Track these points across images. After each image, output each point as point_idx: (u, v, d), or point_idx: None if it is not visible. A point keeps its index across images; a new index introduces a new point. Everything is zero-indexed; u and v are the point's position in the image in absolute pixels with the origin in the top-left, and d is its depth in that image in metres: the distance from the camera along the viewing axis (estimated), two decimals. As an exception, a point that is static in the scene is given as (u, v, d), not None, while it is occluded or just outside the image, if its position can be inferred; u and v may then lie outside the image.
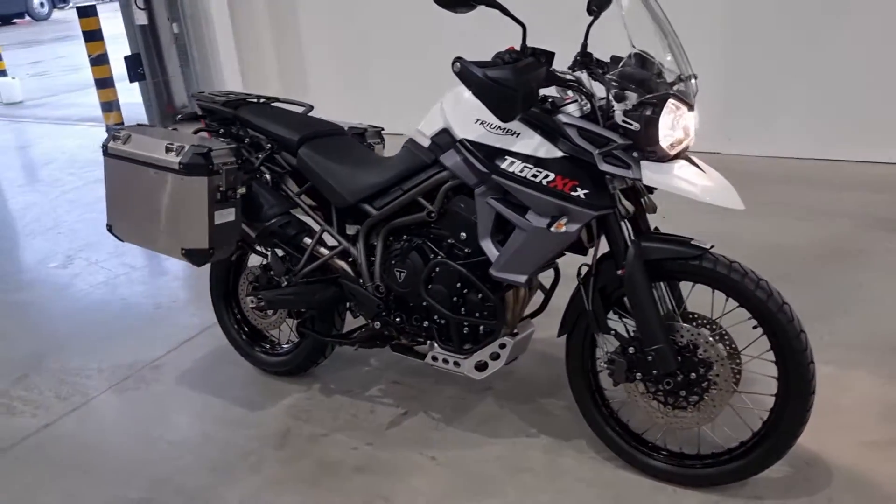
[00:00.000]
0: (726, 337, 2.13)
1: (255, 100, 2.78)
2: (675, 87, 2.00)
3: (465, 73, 1.94)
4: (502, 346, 2.33)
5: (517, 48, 2.01)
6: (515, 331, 2.38)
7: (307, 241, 2.59)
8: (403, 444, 2.49)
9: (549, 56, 2.05)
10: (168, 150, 2.35)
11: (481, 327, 2.32)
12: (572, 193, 2.02)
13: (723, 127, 5.01)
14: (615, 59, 2.11)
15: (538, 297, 2.48)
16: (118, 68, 6.90)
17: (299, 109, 2.78)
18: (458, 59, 1.96)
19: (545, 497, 2.21)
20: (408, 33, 6.02)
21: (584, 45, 2.10)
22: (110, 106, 6.83)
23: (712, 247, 2.05)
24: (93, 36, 6.63)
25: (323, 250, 2.58)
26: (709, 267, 2.02)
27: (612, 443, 2.29)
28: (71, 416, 2.83)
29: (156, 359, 3.16)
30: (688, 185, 1.96)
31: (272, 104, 2.80)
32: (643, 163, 1.98)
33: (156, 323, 3.50)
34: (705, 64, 5.08)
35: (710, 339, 2.06)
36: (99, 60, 6.69)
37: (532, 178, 2.06)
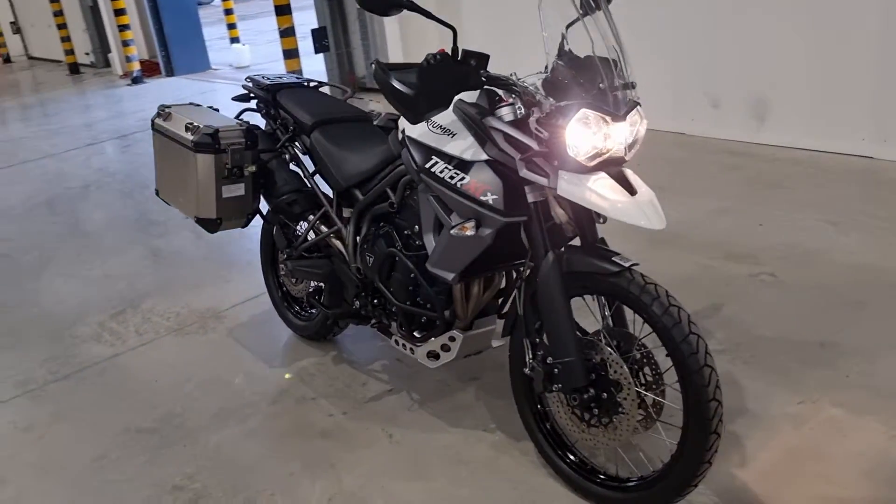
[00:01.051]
0: (652, 362, 2.03)
1: (305, 84, 3.01)
2: (608, 96, 1.92)
3: (376, 75, 2.01)
4: (452, 339, 2.38)
5: (448, 50, 2.04)
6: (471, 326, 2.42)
7: (311, 218, 2.79)
8: (372, 419, 2.64)
9: (481, 58, 2.04)
10: (187, 128, 2.65)
11: (426, 319, 2.40)
12: (482, 198, 2.03)
13: (878, 128, 4.45)
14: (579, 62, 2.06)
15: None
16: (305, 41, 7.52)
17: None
18: (375, 60, 2.03)
19: (466, 491, 2.27)
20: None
21: (561, 46, 2.07)
22: (293, 75, 7.46)
23: (634, 265, 1.96)
24: (282, 10, 7.26)
25: (324, 229, 2.77)
26: (622, 285, 1.94)
27: (540, 449, 2.28)
28: (136, 350, 3.31)
29: (223, 310, 3.56)
30: (599, 199, 1.89)
31: (316, 89, 3.02)
32: (561, 172, 1.94)
33: (243, 277, 3.91)
34: (854, 54, 4.59)
35: (619, 360, 1.98)
36: (287, 33, 7.32)
37: (449, 180, 2.09)
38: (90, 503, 2.42)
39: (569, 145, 1.88)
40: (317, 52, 7.60)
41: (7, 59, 14.90)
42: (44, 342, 3.48)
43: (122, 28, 10.24)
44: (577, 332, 2.06)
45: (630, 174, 1.98)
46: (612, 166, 1.96)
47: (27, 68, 13.99)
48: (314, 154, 2.74)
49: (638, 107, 2.01)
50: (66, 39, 12.21)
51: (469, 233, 2.06)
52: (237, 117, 2.94)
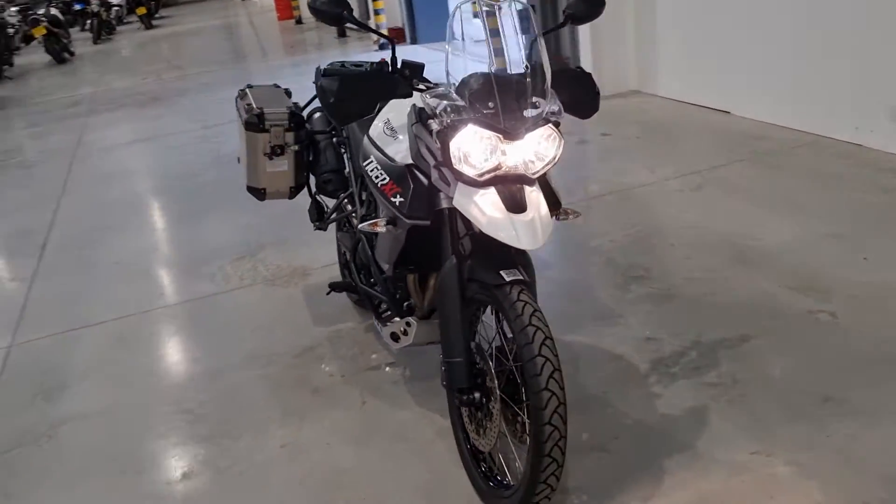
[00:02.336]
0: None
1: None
2: (514, 114, 1.97)
3: (315, 78, 2.22)
4: (409, 325, 2.55)
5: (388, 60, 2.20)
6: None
7: (340, 196, 3.08)
8: (359, 385, 2.91)
9: (416, 68, 2.17)
10: (245, 109, 3.06)
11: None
12: (392, 199, 2.17)
13: None
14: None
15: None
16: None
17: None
18: (318, 67, 2.24)
19: (388, 465, 2.47)
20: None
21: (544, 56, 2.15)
22: (497, 52, 7.69)
23: (518, 280, 2.00)
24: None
25: (349, 208, 3.04)
26: (498, 298, 2.00)
27: (455, 434, 2.38)
28: (231, 293, 3.86)
29: (312, 269, 3.99)
30: (479, 213, 1.97)
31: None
32: (459, 184, 2.03)
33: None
34: None
35: (490, 371, 2.05)
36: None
37: (374, 179, 2.26)
38: (130, 411, 2.98)
39: (453, 159, 1.97)
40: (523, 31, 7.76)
41: (299, 21, 16.78)
42: (172, 274, 4.17)
43: (374, -4, 11.15)
44: (473, 339, 2.14)
45: (529, 192, 2.01)
46: (511, 183, 2.00)
47: (313, 29, 15.66)
48: (347, 136, 3.01)
49: (549, 126, 2.02)
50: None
51: (380, 229, 2.22)
52: (311, 102, 3.30)
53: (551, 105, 2.08)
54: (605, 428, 2.50)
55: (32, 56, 16.06)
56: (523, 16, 2.16)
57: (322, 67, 2.21)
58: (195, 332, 3.52)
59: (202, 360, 3.24)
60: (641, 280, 3.41)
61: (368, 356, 3.10)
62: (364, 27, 2.20)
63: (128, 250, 4.62)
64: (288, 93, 3.38)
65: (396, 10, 11.95)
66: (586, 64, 6.76)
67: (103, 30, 18.57)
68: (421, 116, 2.13)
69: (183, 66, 12.44)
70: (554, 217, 2.33)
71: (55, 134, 8.23)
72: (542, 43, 2.10)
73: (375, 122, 2.49)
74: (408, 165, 2.20)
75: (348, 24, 2.22)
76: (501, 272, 2.02)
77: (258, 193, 3.15)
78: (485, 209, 1.96)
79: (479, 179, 1.99)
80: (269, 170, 3.07)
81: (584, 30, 6.75)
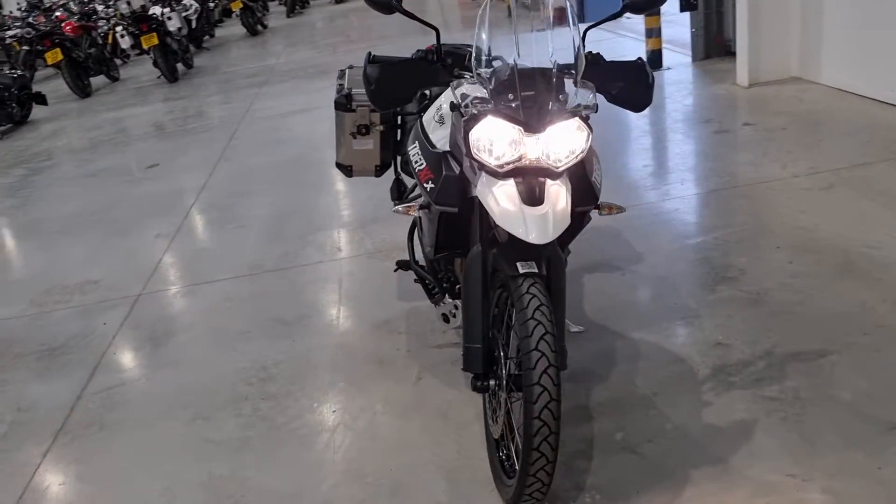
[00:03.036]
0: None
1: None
2: (537, 108, 1.97)
3: (364, 64, 2.30)
4: (457, 306, 2.61)
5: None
6: None
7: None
8: (420, 361, 3.01)
9: (459, 56, 2.20)
10: (337, 89, 3.21)
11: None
12: (425, 185, 2.22)
13: None
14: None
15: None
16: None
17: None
18: (369, 52, 2.32)
19: (423, 440, 2.56)
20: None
21: (580, 49, 2.16)
22: (651, 32, 7.43)
23: (532, 273, 2.00)
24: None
25: (426, 190, 3.12)
26: (511, 289, 2.01)
27: (484, 416, 2.41)
28: (331, 262, 4.09)
29: (393, 249, 4.09)
30: (494, 203, 1.99)
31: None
32: (482, 174, 2.06)
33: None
34: None
35: (501, 361, 2.07)
36: (650, -11, 7.28)
37: (414, 164, 2.31)
38: (214, 365, 3.26)
39: (473, 149, 1.99)
40: (682, 9, 7.42)
41: (476, -3, 16.93)
42: (287, 241, 4.46)
43: (542, -25, 11.03)
44: (501, 327, 2.17)
45: (550, 186, 2.00)
46: (533, 175, 2.00)
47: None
48: None
49: (576, 119, 2.00)
50: (509, -18, 13.49)
51: (413, 214, 2.29)
52: None
53: (583, 98, 2.04)
54: (642, 430, 2.44)
55: (232, 28, 17.37)
56: (560, 7, 2.13)
57: (372, 54, 2.29)
58: (290, 297, 3.76)
59: (289, 325, 3.47)
60: (732, 281, 3.23)
61: (438, 334, 3.18)
62: (412, 16, 2.25)
63: (255, 216, 4.97)
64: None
65: (566, -13, 11.77)
66: (742, 46, 6.38)
67: (297, 4, 19.72)
68: (455, 106, 2.16)
69: (356, 39, 12.99)
70: (595, 212, 2.30)
71: (231, 102, 8.92)
72: (577, 34, 2.06)
73: (431, 107, 2.55)
74: (445, 153, 2.24)
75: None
76: (518, 263, 2.02)
77: (346, 170, 3.31)
78: (500, 200, 1.97)
79: (499, 171, 2.00)
80: (355, 148, 3.21)
81: (741, 9, 6.35)
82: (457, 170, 2.19)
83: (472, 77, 2.16)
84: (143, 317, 3.78)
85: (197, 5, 13.87)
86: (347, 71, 3.43)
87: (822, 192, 4.02)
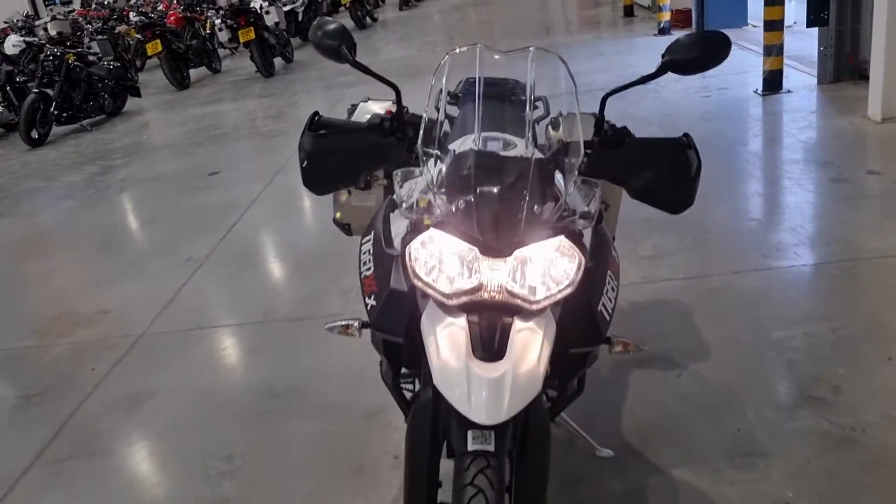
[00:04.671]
0: None
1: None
2: (508, 218, 1.37)
3: (304, 128, 1.76)
4: None
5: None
6: None
7: None
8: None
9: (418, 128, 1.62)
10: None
11: None
12: (366, 298, 1.68)
13: None
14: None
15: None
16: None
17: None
18: (314, 113, 1.76)
19: None
20: None
21: (601, 115, 1.59)
22: (771, 50, 6.50)
23: (481, 452, 1.41)
24: (775, -25, 6.32)
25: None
26: (454, 473, 1.43)
27: None
28: (320, 321, 3.56)
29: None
30: (434, 353, 1.41)
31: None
32: (429, 299, 1.47)
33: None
34: None
35: None
36: (773, 1, 6.37)
37: (362, 266, 1.76)
38: (185, 438, 2.83)
39: (409, 271, 1.41)
40: (809, 25, 6.46)
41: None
42: (314, 283, 3.99)
43: (664, -25, 10.12)
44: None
45: (518, 331, 1.39)
46: (494, 312, 1.40)
47: (606, 4, 14.87)
48: None
49: (559, 239, 1.38)
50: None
51: (352, 334, 1.72)
52: None
53: (575, 204, 1.42)
54: None
55: (344, 20, 17.23)
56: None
57: (318, 116, 1.74)
58: (290, 358, 3.28)
59: (276, 397, 2.98)
60: (821, 405, 2.50)
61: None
62: (367, 71, 1.70)
63: (292, 245, 4.54)
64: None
65: (685, -11, 10.80)
66: (877, 72, 5.41)
67: (414, -5, 19.40)
68: (394, 204, 1.60)
69: (459, 39, 12.46)
70: (607, 350, 1.67)
71: (314, 103, 8.58)
72: (576, 104, 1.45)
73: (407, 183, 1.97)
74: (399, 256, 1.67)
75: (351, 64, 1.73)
76: (469, 433, 1.43)
77: (344, 228, 2.77)
78: (441, 348, 1.38)
79: (447, 302, 1.41)
80: (354, 203, 2.67)
81: (879, 26, 5.38)
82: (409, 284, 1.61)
83: (432, 156, 1.58)
84: (134, 366, 3.39)
85: (304, -2, 13.73)
86: (360, 105, 2.90)
87: (958, 277, 3.17)
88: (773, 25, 6.50)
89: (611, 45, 10.14)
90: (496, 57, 1.69)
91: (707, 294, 3.25)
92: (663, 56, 1.66)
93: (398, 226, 1.76)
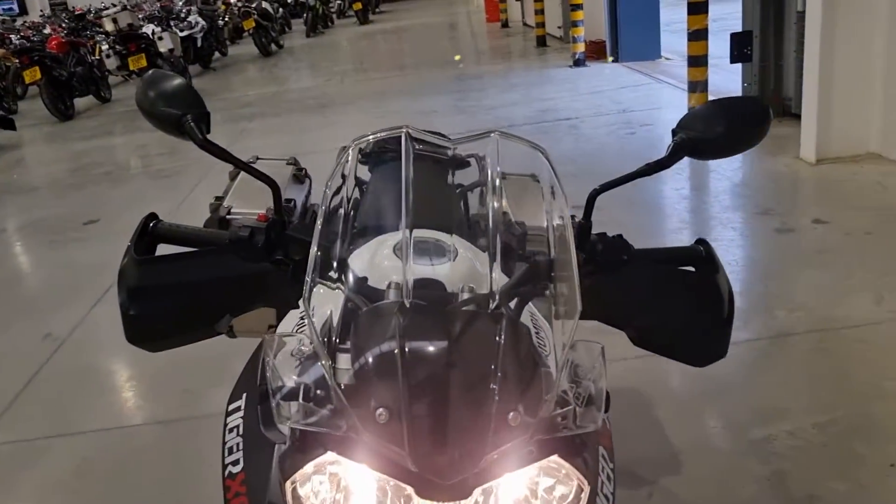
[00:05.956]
0: None
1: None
2: (460, 432, 0.81)
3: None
4: None
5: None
6: None
7: None
8: None
9: (305, 247, 1.05)
10: (211, 205, 2.07)
11: None
12: None
13: None
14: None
15: None
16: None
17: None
18: (148, 216, 1.18)
19: None
20: None
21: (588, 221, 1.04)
22: (696, 86, 6.23)
23: None
24: (697, 8, 6.06)
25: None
26: None
27: None
28: (204, 421, 2.92)
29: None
30: None
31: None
32: None
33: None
34: None
35: None
36: (697, 35, 6.11)
37: (225, 462, 1.17)
38: None
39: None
40: (733, 61, 6.22)
41: (504, 24, 15.86)
42: (199, 372, 3.33)
43: (574, 7, 9.88)
44: None
45: None
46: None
47: (517, 34, 14.66)
48: None
49: (549, 462, 0.83)
50: (539, 12, 12.38)
51: None
52: None
53: (579, 378, 0.89)
54: None
55: (249, 47, 16.47)
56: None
57: (154, 224, 1.15)
58: (164, 478, 2.62)
59: None
60: (825, 539, 2.03)
61: None
62: (221, 155, 1.14)
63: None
64: (299, 175, 2.35)
65: (600, 18, 10.59)
66: (809, 112, 5.15)
67: (319, 23, 18.79)
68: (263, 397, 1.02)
69: (369, 68, 11.95)
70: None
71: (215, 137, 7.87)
72: (564, 212, 0.93)
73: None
74: (279, 444, 1.08)
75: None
76: None
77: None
78: None
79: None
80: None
81: (811, 66, 5.14)
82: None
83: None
84: None
85: (204, 23, 12.95)
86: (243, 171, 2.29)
87: (940, 353, 2.80)
88: (698, 61, 6.24)
89: (525, 77, 9.82)
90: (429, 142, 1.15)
91: (663, 380, 2.78)
92: (675, 133, 1.16)
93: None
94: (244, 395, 1.23)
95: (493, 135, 1.02)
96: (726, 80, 6.87)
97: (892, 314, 3.05)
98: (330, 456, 0.83)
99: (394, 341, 0.86)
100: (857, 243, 3.76)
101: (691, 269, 1.20)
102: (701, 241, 1.20)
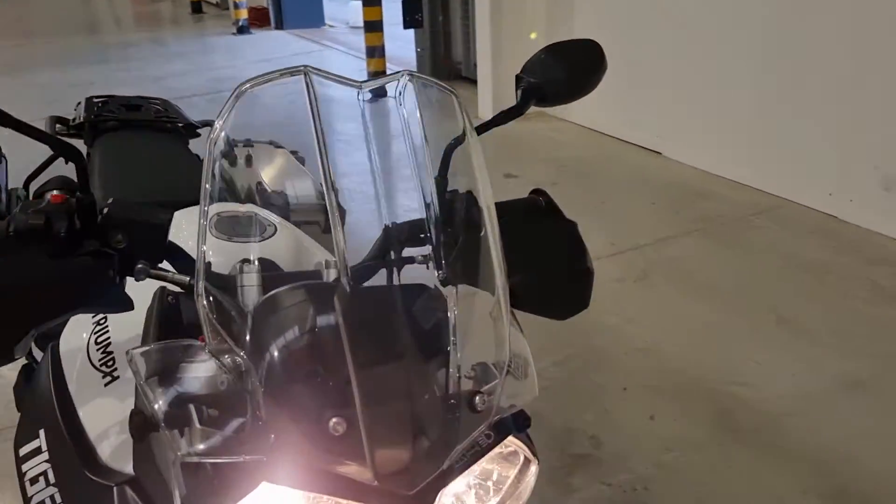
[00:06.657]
0: None
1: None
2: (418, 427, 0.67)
3: None
4: None
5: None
6: None
7: None
8: None
9: (151, 227, 0.82)
10: None
11: None
12: None
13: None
14: None
15: None
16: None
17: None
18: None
19: None
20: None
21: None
22: (374, 51, 6.32)
23: None
24: (368, -25, 6.13)
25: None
26: None
27: None
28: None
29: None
30: None
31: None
32: None
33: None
34: None
35: None
36: (371, 1, 6.18)
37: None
38: None
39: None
40: (406, 27, 6.41)
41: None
42: None
43: (234, -30, 9.46)
44: None
45: None
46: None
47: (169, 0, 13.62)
48: None
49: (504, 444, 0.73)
50: (197, -24, 11.66)
51: None
52: None
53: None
54: None
55: None
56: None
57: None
58: None
59: None
60: (589, 463, 2.19)
61: None
62: (26, 128, 0.84)
63: None
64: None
65: (261, -15, 10.29)
66: (484, 73, 5.52)
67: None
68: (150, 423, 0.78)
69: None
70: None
71: None
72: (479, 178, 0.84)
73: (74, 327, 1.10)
74: (122, 486, 0.83)
75: None
76: None
77: None
78: None
79: None
80: None
81: (483, 31, 5.49)
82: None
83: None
84: None
85: None
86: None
87: (637, 284, 3.18)
88: (374, 26, 6.32)
89: (188, 45, 9.20)
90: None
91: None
92: (519, 79, 1.11)
93: (101, 411, 0.90)
94: (40, 430, 0.93)
95: (404, 77, 0.89)
96: (404, 46, 7.07)
97: (593, 255, 3.38)
98: (264, 489, 0.64)
99: (336, 331, 0.68)
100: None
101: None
102: (539, 191, 1.17)
